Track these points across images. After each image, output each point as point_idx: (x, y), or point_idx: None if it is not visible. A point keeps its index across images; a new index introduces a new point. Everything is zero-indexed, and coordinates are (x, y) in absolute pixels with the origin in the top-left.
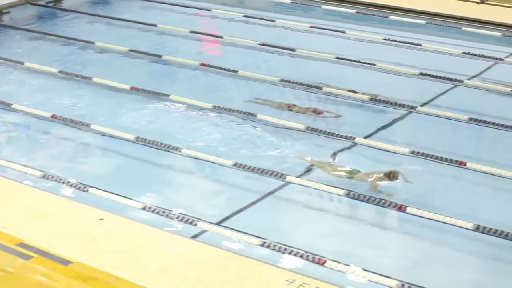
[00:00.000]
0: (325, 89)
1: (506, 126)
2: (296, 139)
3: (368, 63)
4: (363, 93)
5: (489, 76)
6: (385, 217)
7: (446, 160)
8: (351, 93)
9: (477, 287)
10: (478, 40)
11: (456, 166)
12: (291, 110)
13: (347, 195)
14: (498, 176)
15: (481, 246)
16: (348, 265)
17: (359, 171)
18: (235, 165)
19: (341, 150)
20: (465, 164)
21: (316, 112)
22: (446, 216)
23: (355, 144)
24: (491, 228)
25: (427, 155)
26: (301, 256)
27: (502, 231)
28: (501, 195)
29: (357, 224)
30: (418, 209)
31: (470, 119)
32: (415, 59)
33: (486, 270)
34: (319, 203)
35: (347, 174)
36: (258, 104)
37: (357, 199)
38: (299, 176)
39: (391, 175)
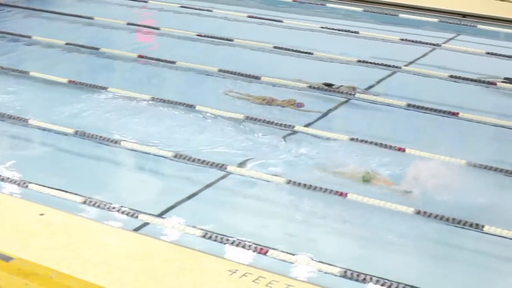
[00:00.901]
0: (263, 78)
1: (444, 112)
2: (237, 130)
3: (305, 52)
4: (298, 81)
5: (426, 62)
6: (328, 205)
7: (386, 146)
8: (288, 82)
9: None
10: (415, 26)
11: (395, 151)
12: (270, 104)
13: (288, 183)
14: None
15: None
16: (292, 254)
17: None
18: (175, 156)
19: (286, 136)
20: (404, 150)
21: (297, 105)
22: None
23: (295, 132)
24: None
25: (365, 142)
26: (243, 246)
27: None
28: None
29: (300, 213)
30: (359, 195)
31: (408, 105)
32: (353, 46)
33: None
34: (260, 193)
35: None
36: (234, 98)
37: (298, 186)
38: (239, 166)
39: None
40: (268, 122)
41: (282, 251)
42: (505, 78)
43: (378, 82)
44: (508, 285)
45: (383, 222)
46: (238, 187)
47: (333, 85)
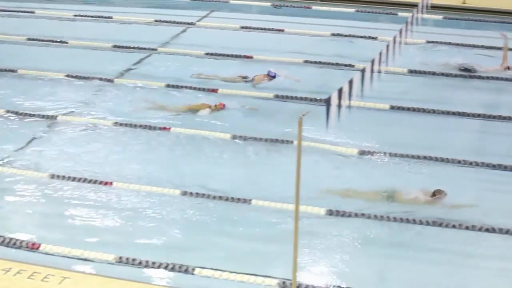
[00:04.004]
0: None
1: (199, 89)
2: None
3: (60, 41)
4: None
5: (182, 41)
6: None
7: (150, 127)
8: (48, 73)
9: None
10: (168, 7)
11: (161, 131)
12: (246, 81)
13: (52, 177)
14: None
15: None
16: (65, 246)
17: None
18: None
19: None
20: (169, 129)
21: (270, 74)
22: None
23: (56, 122)
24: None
25: (131, 125)
26: (14, 244)
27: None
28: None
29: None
30: (124, 183)
31: (167, 85)
32: (108, 32)
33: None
34: (28, 188)
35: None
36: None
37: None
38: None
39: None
40: None
41: (55, 245)
42: (460, 69)
43: (135, 64)
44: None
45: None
46: (7, 184)
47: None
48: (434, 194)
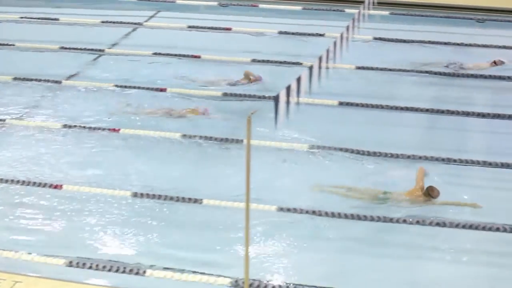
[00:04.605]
0: None
1: (153, 88)
2: None
3: (7, 44)
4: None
5: (130, 42)
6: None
7: (99, 128)
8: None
9: None
10: (115, 8)
11: (111, 133)
12: (233, 85)
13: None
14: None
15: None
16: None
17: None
18: None
19: None
20: (118, 131)
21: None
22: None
23: (4, 125)
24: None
25: (79, 127)
26: None
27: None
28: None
29: None
30: (74, 185)
31: (115, 85)
32: (55, 33)
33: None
34: None
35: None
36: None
37: None
38: None
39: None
40: None
41: (5, 249)
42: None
43: (84, 65)
44: None
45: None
46: None
47: None
48: (428, 192)
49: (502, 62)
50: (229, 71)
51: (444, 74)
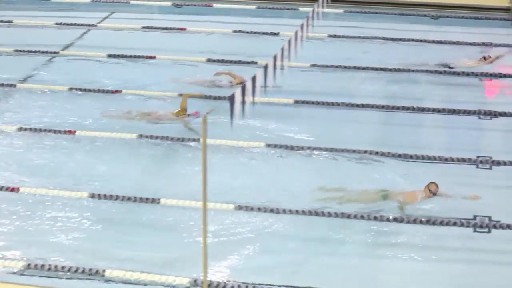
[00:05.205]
0: None
1: (108, 91)
2: None
3: None
4: None
5: (84, 43)
6: None
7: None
8: None
9: None
10: (69, 9)
11: (67, 135)
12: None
13: None
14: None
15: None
16: None
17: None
18: None
19: None
20: (74, 133)
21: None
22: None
23: None
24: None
25: (36, 130)
26: None
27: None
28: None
29: None
30: (31, 188)
31: (70, 88)
32: (8, 36)
33: None
34: None
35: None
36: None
37: None
38: None
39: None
40: None
41: None
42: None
43: (38, 68)
44: None
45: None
46: None
47: None
48: (429, 189)
49: (490, 57)
50: (186, 71)
51: (399, 70)
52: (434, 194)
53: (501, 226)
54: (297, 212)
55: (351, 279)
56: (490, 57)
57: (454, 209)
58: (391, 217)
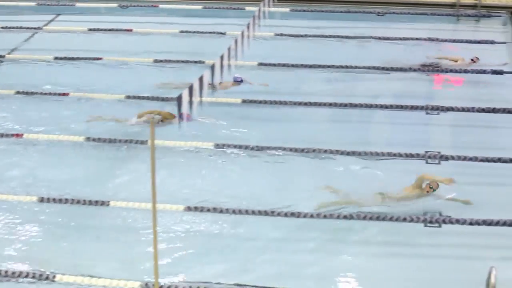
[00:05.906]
0: None
1: (55, 94)
2: None
3: None
4: None
5: (30, 46)
6: None
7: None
8: None
9: None
10: (14, 13)
11: (14, 138)
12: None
13: None
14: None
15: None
16: None
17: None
18: None
19: None
20: (22, 136)
21: (237, 80)
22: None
23: None
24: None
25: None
26: None
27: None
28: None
29: None
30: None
31: (17, 92)
32: None
33: None
34: None
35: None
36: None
37: None
38: None
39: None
40: None
41: None
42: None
43: None
44: None
45: None
46: None
47: None
48: (430, 186)
49: (478, 59)
50: (133, 72)
51: (347, 67)
52: (434, 190)
53: (451, 221)
54: (246, 212)
55: (304, 277)
56: (478, 59)
57: (405, 205)
58: (341, 215)
